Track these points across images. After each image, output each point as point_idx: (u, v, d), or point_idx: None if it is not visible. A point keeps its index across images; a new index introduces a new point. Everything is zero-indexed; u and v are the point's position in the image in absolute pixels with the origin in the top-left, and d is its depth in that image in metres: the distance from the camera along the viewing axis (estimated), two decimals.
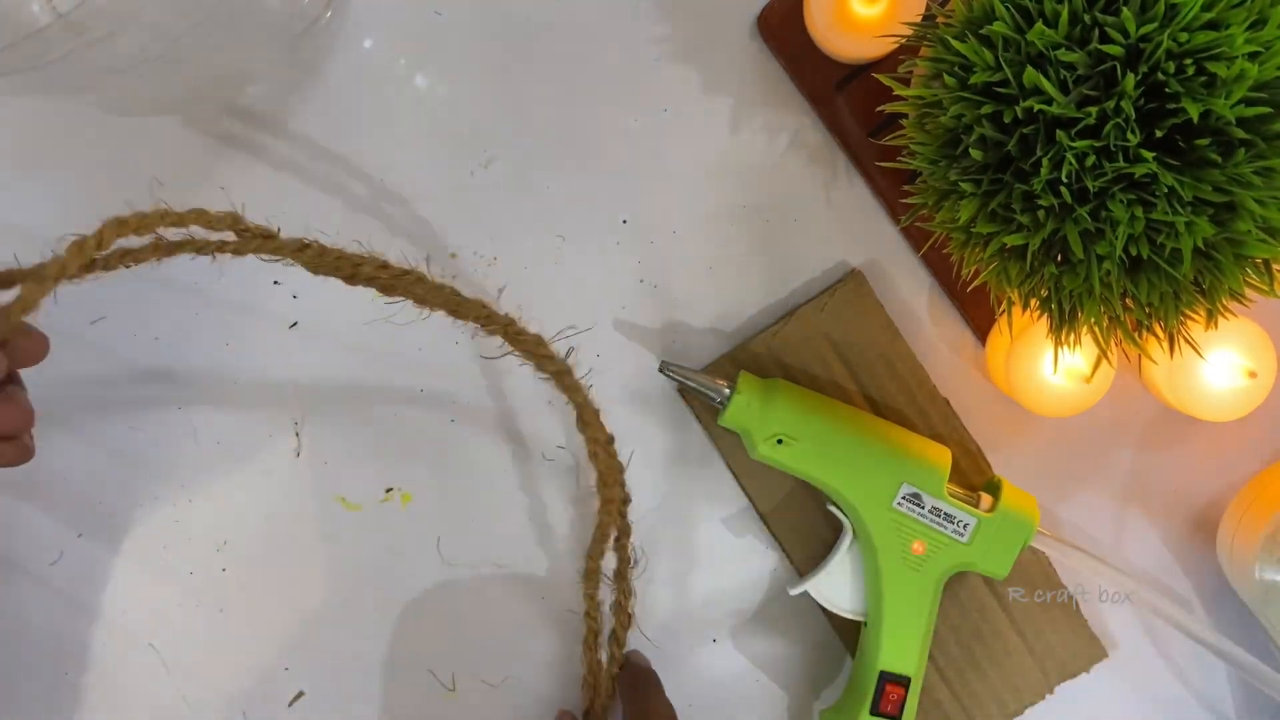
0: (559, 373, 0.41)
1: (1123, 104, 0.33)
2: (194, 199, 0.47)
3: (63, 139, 0.47)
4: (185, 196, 0.47)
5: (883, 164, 0.46)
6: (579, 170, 0.47)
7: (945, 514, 0.44)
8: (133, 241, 0.38)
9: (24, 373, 0.38)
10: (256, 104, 0.47)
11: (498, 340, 0.41)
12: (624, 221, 0.47)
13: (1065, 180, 0.34)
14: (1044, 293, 0.38)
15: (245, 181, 0.47)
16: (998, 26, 0.34)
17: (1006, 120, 0.34)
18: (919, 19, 0.41)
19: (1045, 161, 0.34)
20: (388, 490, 0.48)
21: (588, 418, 0.42)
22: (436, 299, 0.39)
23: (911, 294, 0.48)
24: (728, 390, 0.44)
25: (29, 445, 0.37)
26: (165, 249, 0.38)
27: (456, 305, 0.39)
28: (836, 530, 0.46)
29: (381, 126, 0.47)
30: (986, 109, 0.35)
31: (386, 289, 0.39)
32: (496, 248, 0.47)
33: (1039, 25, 0.33)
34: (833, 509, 0.45)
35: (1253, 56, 0.33)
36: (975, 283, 0.40)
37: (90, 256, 0.35)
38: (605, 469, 0.43)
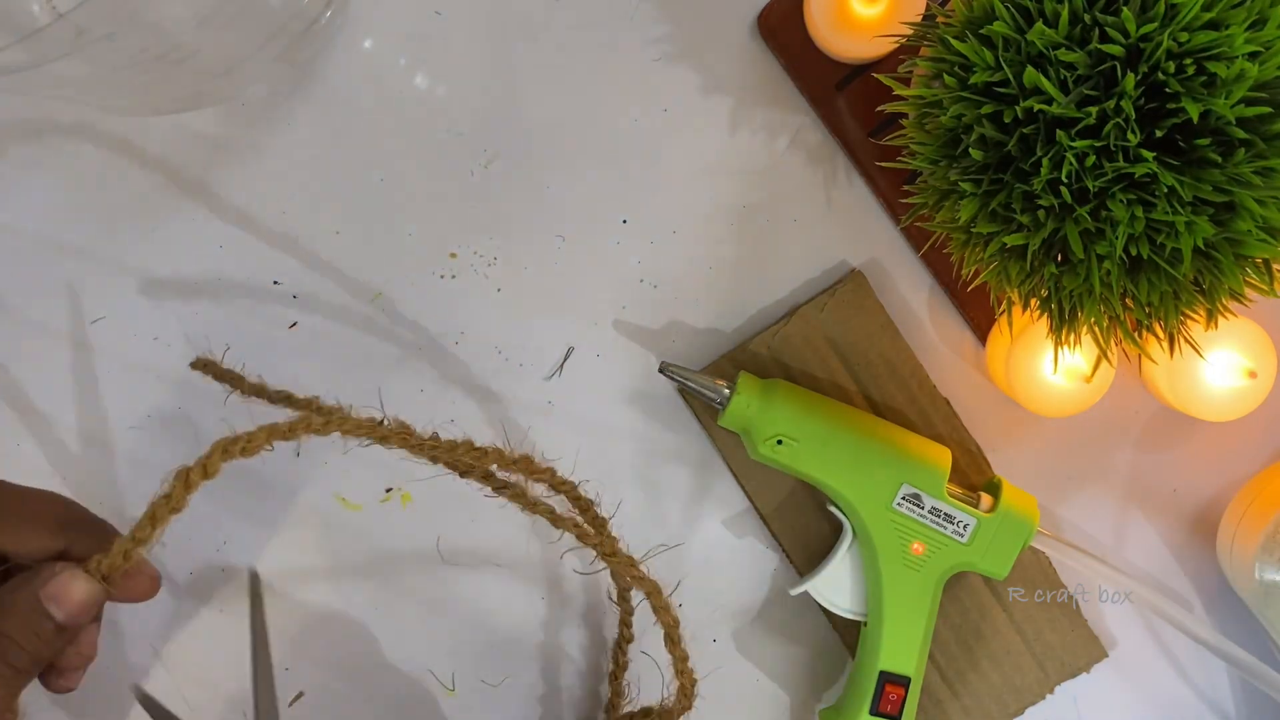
0: (650, 593, 0.43)
1: (1123, 104, 0.33)
2: (193, 200, 0.47)
3: (63, 139, 0.47)
4: (185, 197, 0.47)
5: (883, 164, 0.46)
6: (579, 170, 0.47)
7: (945, 514, 0.44)
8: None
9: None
10: (256, 104, 0.47)
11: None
12: (624, 221, 0.47)
13: (1065, 180, 0.34)
14: (1044, 293, 0.38)
15: (246, 182, 0.47)
16: (998, 26, 0.34)
17: (1006, 120, 0.34)
18: (919, 19, 0.41)
19: (1045, 161, 0.34)
20: (388, 490, 0.48)
21: (675, 637, 0.43)
22: (538, 509, 0.42)
23: (911, 294, 0.48)
24: (727, 390, 0.44)
25: (75, 683, 0.37)
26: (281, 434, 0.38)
27: (553, 517, 0.42)
28: (836, 530, 0.46)
29: (381, 127, 0.47)
30: (986, 109, 0.35)
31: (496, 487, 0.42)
32: (496, 248, 0.47)
33: (1039, 25, 0.33)
34: (833, 509, 0.45)
35: (1253, 56, 0.33)
36: (975, 283, 0.40)
37: (197, 485, 0.34)
38: (686, 683, 0.44)
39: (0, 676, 0.33)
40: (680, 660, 0.44)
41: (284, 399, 0.44)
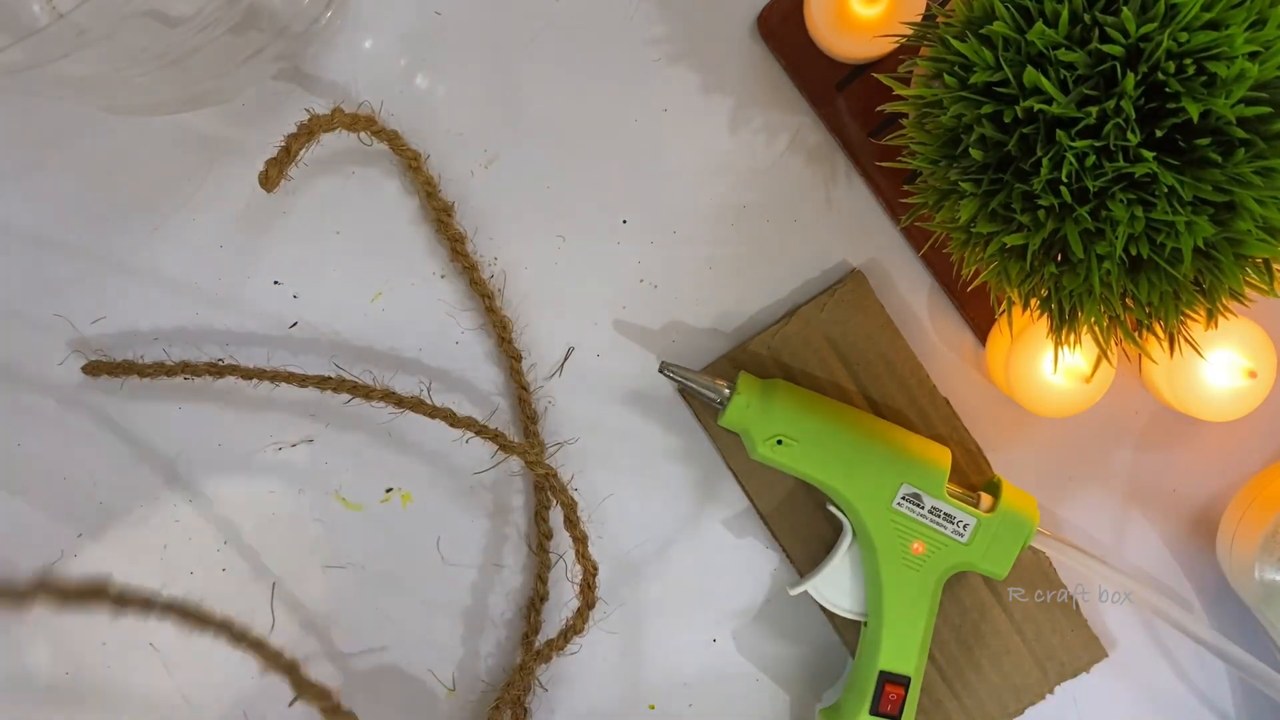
0: (547, 475, 0.44)
1: (1123, 104, 0.33)
2: (194, 200, 0.47)
3: (63, 139, 0.47)
4: (185, 197, 0.47)
5: (883, 164, 0.46)
6: (579, 170, 0.47)
7: (945, 514, 0.44)
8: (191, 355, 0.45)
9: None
10: (257, 104, 0.47)
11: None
12: (624, 221, 0.47)
13: (1065, 180, 0.34)
14: (1044, 292, 0.38)
15: (246, 182, 0.47)
16: (998, 26, 0.34)
17: (1006, 120, 0.34)
18: (919, 19, 0.41)
19: (1045, 161, 0.34)
20: (388, 490, 0.48)
21: (573, 519, 0.45)
22: (437, 413, 0.45)
23: (911, 294, 0.48)
24: (727, 390, 0.44)
25: None
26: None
27: (453, 419, 0.44)
28: (836, 530, 0.46)
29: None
30: (986, 109, 0.35)
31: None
32: (496, 248, 0.47)
33: (1039, 25, 0.33)
34: (833, 509, 0.45)
35: (1253, 56, 0.33)
36: (975, 283, 0.40)
37: None
38: (589, 569, 0.45)
39: None
40: (579, 542, 0.44)
41: (182, 369, 0.45)
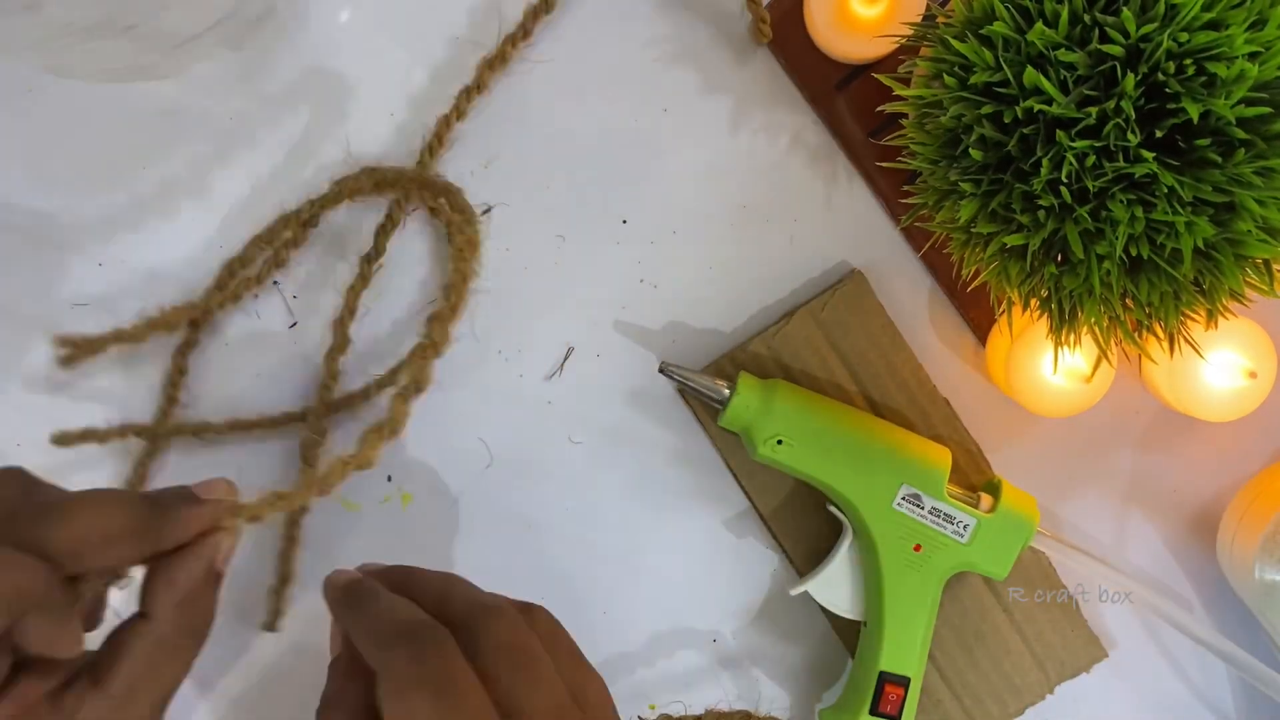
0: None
1: (1123, 104, 0.33)
2: (193, 196, 0.47)
3: (62, 137, 0.46)
4: (184, 194, 0.47)
5: (883, 164, 0.46)
6: (579, 170, 0.47)
7: (945, 514, 0.44)
8: None
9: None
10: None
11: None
12: (624, 221, 0.47)
13: (1065, 180, 0.34)
14: (1044, 293, 0.38)
15: (246, 180, 0.46)
16: (998, 26, 0.34)
17: (1006, 120, 0.34)
18: (919, 19, 0.41)
19: (1045, 161, 0.34)
20: (388, 490, 0.48)
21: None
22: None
23: (911, 294, 0.48)
24: (727, 391, 0.44)
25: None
26: None
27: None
28: (836, 531, 0.46)
29: (376, 120, 0.47)
30: (986, 109, 0.35)
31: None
32: (497, 248, 0.47)
33: (1039, 25, 0.33)
34: (833, 509, 0.45)
35: (1253, 56, 0.33)
36: (975, 283, 0.40)
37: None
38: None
39: (189, 648, 0.36)
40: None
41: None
